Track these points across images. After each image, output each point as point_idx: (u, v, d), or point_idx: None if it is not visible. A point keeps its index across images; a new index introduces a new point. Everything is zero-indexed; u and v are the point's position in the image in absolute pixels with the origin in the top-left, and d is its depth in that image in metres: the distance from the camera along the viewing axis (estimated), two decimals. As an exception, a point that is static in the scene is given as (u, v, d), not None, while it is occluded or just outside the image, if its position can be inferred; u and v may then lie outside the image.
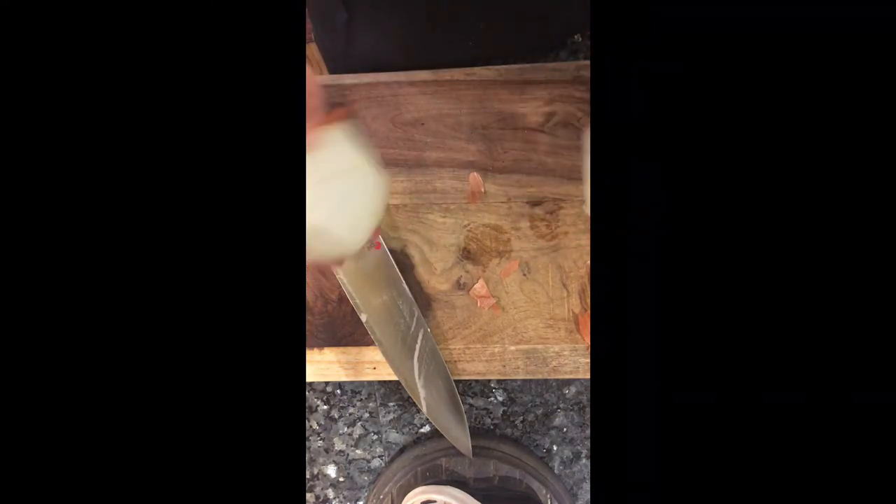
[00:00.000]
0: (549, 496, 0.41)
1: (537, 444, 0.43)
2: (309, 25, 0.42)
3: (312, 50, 0.43)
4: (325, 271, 0.41)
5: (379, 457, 0.44)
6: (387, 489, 0.42)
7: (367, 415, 0.44)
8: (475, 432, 0.43)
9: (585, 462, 0.43)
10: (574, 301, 0.40)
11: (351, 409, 0.44)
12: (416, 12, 0.39)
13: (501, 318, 0.40)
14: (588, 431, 0.43)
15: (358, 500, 0.44)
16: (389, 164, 0.41)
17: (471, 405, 0.43)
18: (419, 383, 0.40)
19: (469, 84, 0.41)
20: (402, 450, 0.44)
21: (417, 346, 0.40)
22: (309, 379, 0.42)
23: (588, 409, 0.43)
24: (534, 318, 0.40)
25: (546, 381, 0.43)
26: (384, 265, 0.40)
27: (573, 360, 0.40)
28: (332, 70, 0.43)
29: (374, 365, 0.41)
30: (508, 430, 0.43)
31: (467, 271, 0.41)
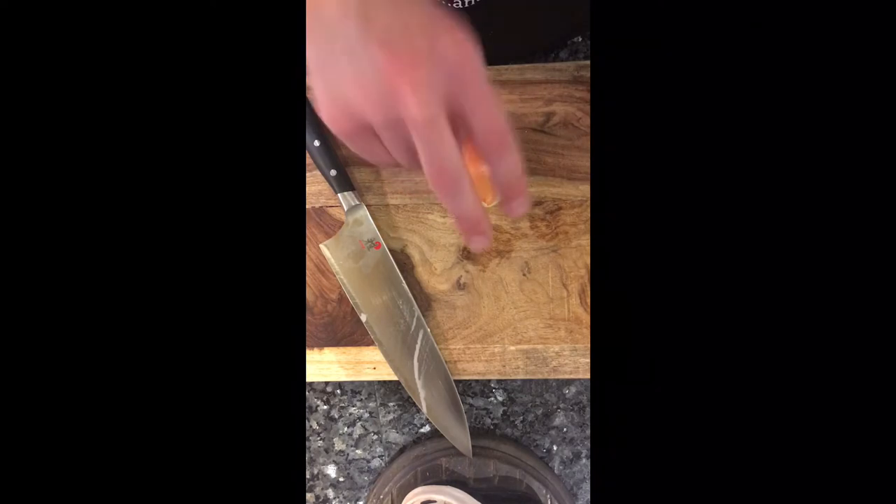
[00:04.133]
0: (549, 496, 0.41)
1: (537, 444, 0.43)
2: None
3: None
4: (325, 271, 0.41)
5: (379, 457, 0.44)
6: (387, 489, 0.42)
7: (367, 415, 0.44)
8: (475, 432, 0.43)
9: (585, 462, 0.43)
10: (574, 301, 0.40)
11: (351, 409, 0.44)
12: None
13: (501, 317, 0.40)
14: (588, 431, 0.43)
15: (358, 500, 0.44)
16: (390, 164, 0.41)
17: (471, 405, 0.43)
18: (419, 383, 0.40)
19: (469, 84, 0.41)
20: (402, 450, 0.44)
21: (417, 346, 0.40)
22: (309, 379, 0.42)
23: (588, 409, 0.43)
24: (534, 318, 0.40)
25: (546, 381, 0.43)
26: (384, 265, 0.40)
27: (573, 360, 0.40)
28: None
29: (374, 365, 0.41)
30: (508, 430, 0.43)
31: (467, 271, 0.41)
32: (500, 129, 0.24)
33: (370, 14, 0.22)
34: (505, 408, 0.43)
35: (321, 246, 0.40)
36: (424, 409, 0.40)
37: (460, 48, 0.22)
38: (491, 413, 0.43)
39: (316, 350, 0.41)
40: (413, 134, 0.23)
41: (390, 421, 0.44)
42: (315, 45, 0.22)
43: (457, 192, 0.24)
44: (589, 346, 0.40)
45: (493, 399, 0.43)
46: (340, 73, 0.22)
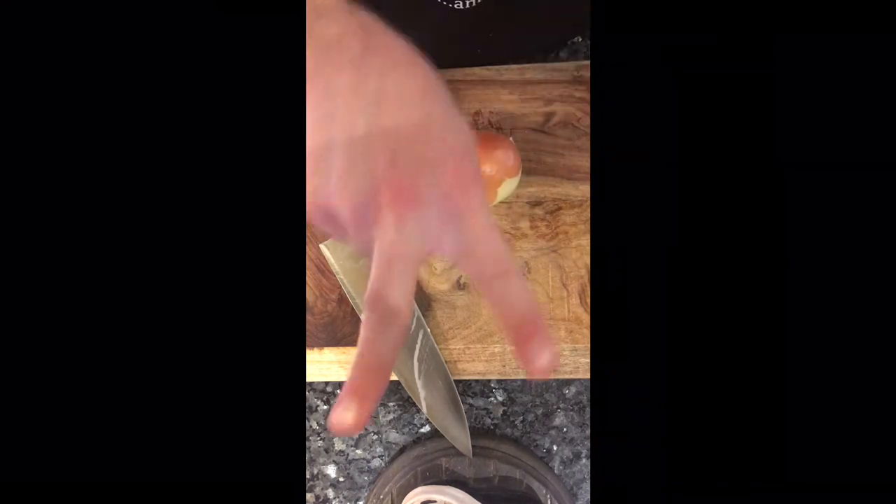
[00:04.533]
0: (549, 496, 0.41)
1: (537, 444, 0.43)
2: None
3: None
4: (325, 271, 0.41)
5: (379, 457, 0.44)
6: (387, 489, 0.42)
7: (367, 415, 0.44)
8: (475, 432, 0.43)
9: (585, 462, 0.43)
10: (574, 301, 0.40)
11: (351, 409, 0.44)
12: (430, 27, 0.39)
13: (501, 318, 0.40)
14: (588, 431, 0.43)
15: (358, 500, 0.44)
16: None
17: (471, 405, 0.43)
18: (419, 383, 0.40)
19: (469, 84, 0.41)
20: (402, 450, 0.44)
21: (417, 346, 0.40)
22: (309, 379, 0.42)
23: (588, 409, 0.43)
24: (534, 318, 0.40)
25: (546, 381, 0.43)
26: (384, 265, 0.40)
27: (573, 360, 0.40)
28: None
29: (374, 365, 0.41)
30: (508, 430, 0.43)
31: (467, 271, 0.41)
32: (500, 255, 0.21)
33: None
34: (505, 408, 0.43)
35: (321, 246, 0.40)
36: (424, 409, 0.40)
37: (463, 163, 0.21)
38: (491, 413, 0.43)
39: (316, 350, 0.41)
40: (375, 257, 0.20)
41: (390, 421, 0.44)
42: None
43: (394, 331, 0.20)
44: (589, 346, 0.40)
45: (493, 399, 0.43)
46: (330, 169, 0.21)
